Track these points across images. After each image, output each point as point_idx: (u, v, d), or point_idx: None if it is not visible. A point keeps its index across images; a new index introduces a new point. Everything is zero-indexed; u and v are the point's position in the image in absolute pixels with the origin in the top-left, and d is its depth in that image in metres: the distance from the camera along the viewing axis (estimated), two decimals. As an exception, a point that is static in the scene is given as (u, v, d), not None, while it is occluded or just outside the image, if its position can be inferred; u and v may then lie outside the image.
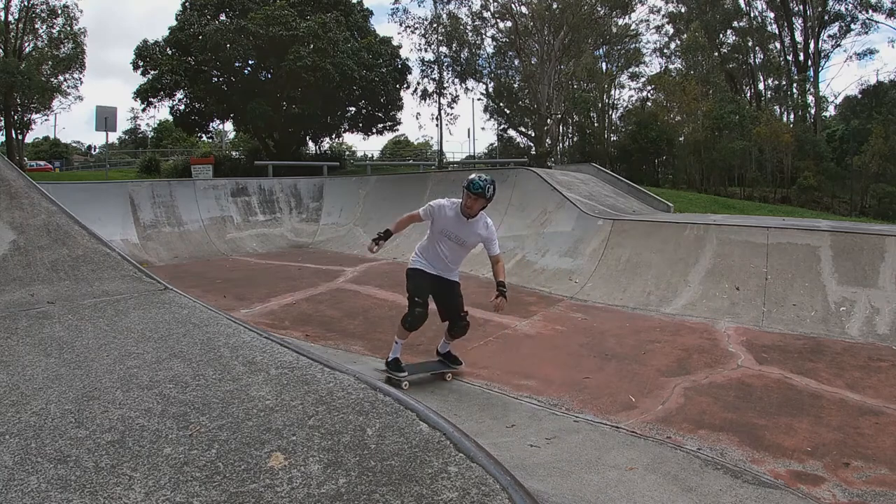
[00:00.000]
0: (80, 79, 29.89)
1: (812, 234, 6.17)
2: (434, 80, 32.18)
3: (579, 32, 28.49)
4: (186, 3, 23.92)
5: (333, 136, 30.80)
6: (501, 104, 35.02)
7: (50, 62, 28.36)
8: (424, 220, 4.13)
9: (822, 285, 5.67)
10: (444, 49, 31.86)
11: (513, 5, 29.28)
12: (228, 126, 33.36)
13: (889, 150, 24.08)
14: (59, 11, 27.83)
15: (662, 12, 33.89)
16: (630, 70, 35.11)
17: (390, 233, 4.16)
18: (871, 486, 2.70)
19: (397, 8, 33.27)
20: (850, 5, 28.49)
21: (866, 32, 29.35)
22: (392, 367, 4.08)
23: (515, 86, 34.48)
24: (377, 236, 4.12)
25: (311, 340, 4.92)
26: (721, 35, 32.75)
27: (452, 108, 33.77)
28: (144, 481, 1.25)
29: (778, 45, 31.93)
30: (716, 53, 32.29)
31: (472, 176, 3.89)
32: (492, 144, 40.94)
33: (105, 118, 16.64)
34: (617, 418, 3.47)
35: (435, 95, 32.32)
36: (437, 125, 33.25)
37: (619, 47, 33.64)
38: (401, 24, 33.42)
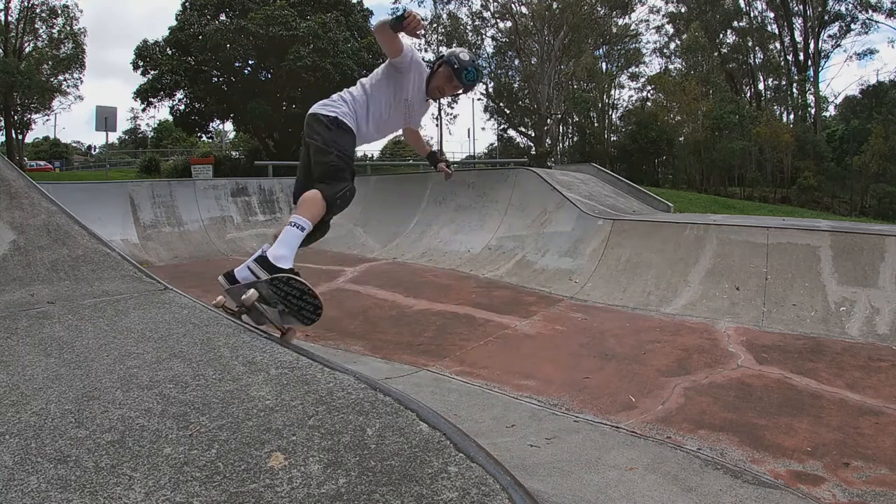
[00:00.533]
0: (80, 79, 29.99)
1: (812, 234, 6.17)
2: (434, 80, 32.13)
3: (579, 32, 28.52)
4: (186, 3, 23.95)
5: (333, 136, 30.74)
6: (501, 104, 35.05)
7: (50, 62, 28.38)
8: (395, 64, 2.80)
9: (822, 285, 5.67)
10: (444, 49, 31.86)
11: (513, 5, 29.31)
12: (228, 126, 33.41)
13: (889, 150, 24.10)
14: (59, 11, 27.88)
15: (662, 12, 33.96)
16: (630, 70, 35.19)
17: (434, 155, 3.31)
18: (871, 486, 2.70)
19: (397, 8, 33.31)
20: (850, 5, 28.54)
21: (866, 32, 29.42)
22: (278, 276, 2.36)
23: (515, 86, 34.52)
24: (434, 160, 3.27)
25: (311, 340, 4.92)
26: (721, 35, 32.77)
27: (452, 107, 33.83)
28: (144, 481, 1.25)
29: (778, 45, 31.99)
30: (716, 53, 32.30)
31: (465, 56, 2.85)
32: (492, 144, 41.01)
33: (105, 118, 16.66)
34: (617, 418, 3.47)
35: (435, 95, 32.28)
36: (437, 125, 33.29)
37: (619, 47, 33.68)
38: (401, 24, 33.34)
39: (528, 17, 28.97)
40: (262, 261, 2.38)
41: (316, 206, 2.51)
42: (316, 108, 2.72)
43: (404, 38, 2.70)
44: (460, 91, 2.91)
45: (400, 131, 3.20)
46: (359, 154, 40.20)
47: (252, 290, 2.31)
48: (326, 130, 2.63)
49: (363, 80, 2.91)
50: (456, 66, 2.79)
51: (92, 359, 1.88)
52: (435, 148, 2.90)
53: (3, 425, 1.47)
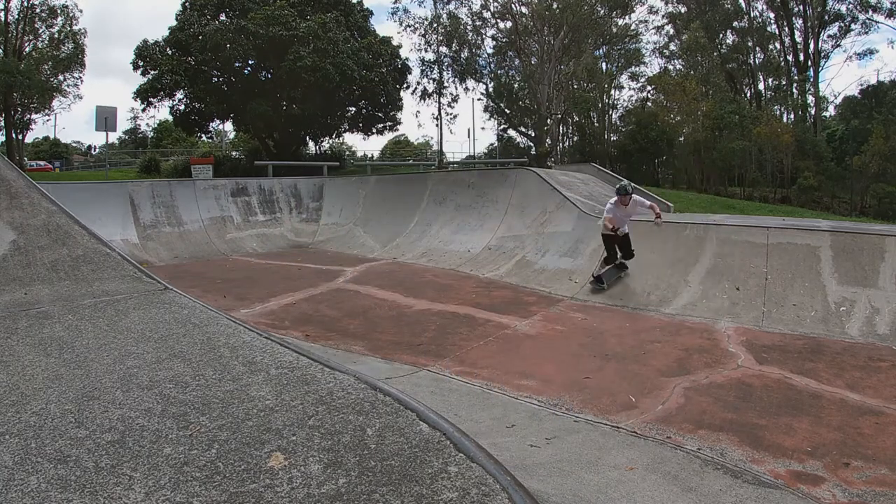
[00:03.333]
0: (80, 79, 29.93)
1: (812, 234, 6.17)
2: (434, 79, 32.23)
3: (579, 32, 28.52)
4: (186, 3, 23.93)
5: (333, 136, 30.83)
6: (501, 104, 35.05)
7: (50, 62, 28.37)
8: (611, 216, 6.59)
9: (822, 285, 5.66)
10: (444, 49, 31.90)
11: (513, 5, 29.30)
12: (228, 126, 33.41)
13: (889, 150, 24.10)
14: (59, 11, 27.86)
15: (662, 13, 33.94)
16: (630, 70, 35.15)
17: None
18: (871, 486, 2.70)
19: (397, 8, 33.38)
20: (850, 5, 28.53)
21: (866, 32, 29.40)
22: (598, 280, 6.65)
23: (515, 86, 34.53)
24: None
25: (311, 340, 4.92)
26: (721, 35, 32.77)
27: (452, 107, 33.84)
28: (144, 481, 1.25)
29: (778, 45, 31.97)
30: (716, 53, 32.29)
31: (623, 183, 6.86)
32: (492, 144, 40.99)
33: (105, 118, 16.66)
34: (617, 418, 3.47)
35: (435, 95, 32.36)
36: (437, 125, 33.30)
37: (619, 47, 33.67)
38: (401, 24, 33.50)
39: (528, 17, 28.96)
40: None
41: None
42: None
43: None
44: (625, 198, 6.48)
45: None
46: (359, 154, 40.26)
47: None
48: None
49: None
50: (616, 190, 6.69)
51: (92, 359, 1.88)
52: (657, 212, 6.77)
53: (3, 425, 1.47)
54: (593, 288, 6.66)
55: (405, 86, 28.70)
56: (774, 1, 30.51)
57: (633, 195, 6.54)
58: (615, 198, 6.57)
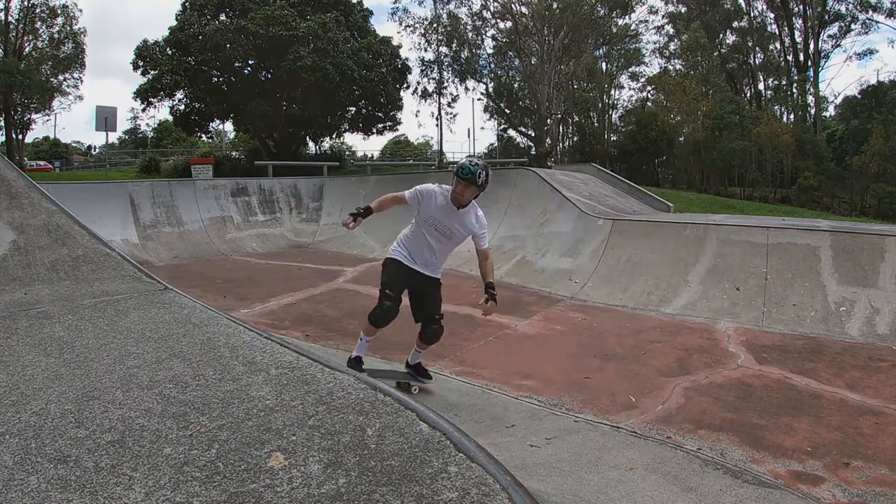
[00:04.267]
0: (80, 79, 29.94)
1: (812, 234, 6.17)
2: (434, 79, 32.23)
3: (579, 32, 28.51)
4: (186, 3, 23.92)
5: (333, 136, 30.83)
6: (501, 104, 35.04)
7: (50, 62, 28.36)
8: (410, 205, 3.64)
9: (822, 285, 5.66)
10: (444, 49, 31.90)
11: (513, 5, 29.29)
12: (228, 126, 33.39)
13: (889, 150, 24.10)
14: (59, 11, 27.85)
15: (662, 13, 33.92)
16: (630, 70, 35.14)
17: (371, 210, 3.64)
18: (871, 486, 2.70)
19: (397, 8, 33.35)
20: (850, 5, 28.52)
21: (866, 32, 29.40)
22: (353, 365, 3.64)
23: (515, 86, 34.51)
24: (356, 212, 3.56)
25: (311, 340, 4.92)
26: (721, 35, 32.76)
27: (452, 107, 33.84)
28: (144, 481, 1.25)
29: (778, 45, 31.96)
30: (716, 53, 32.29)
31: (463, 160, 3.65)
32: (492, 144, 40.98)
33: (105, 118, 16.66)
34: (617, 418, 3.47)
35: (435, 95, 32.36)
36: (437, 125, 33.30)
37: (619, 47, 33.66)
38: (400, 24, 33.48)
39: (528, 17, 28.96)
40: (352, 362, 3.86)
41: (365, 321, 3.85)
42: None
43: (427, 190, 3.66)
44: (468, 186, 3.43)
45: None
46: (359, 154, 40.24)
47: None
48: (383, 269, 3.89)
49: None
50: (455, 171, 3.53)
51: (92, 359, 1.88)
52: (490, 279, 3.60)
53: (3, 425, 1.47)
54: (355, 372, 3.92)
55: (405, 86, 28.69)
56: (774, 1, 30.50)
57: (479, 190, 3.48)
58: (440, 188, 3.62)
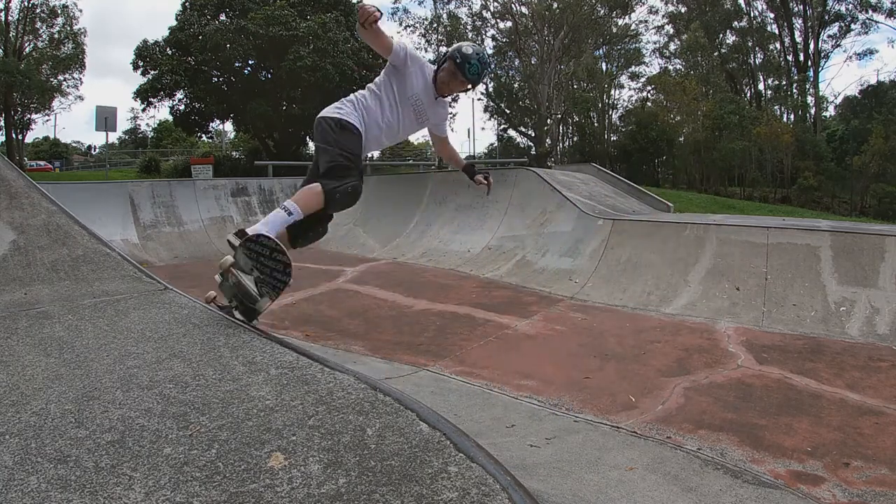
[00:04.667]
0: (80, 79, 29.99)
1: (812, 234, 6.17)
2: (434, 79, 32.17)
3: (579, 32, 28.53)
4: (186, 3, 23.94)
5: (333, 136, 30.74)
6: (501, 104, 35.05)
7: (50, 62, 28.38)
8: (391, 62, 2.89)
9: (822, 285, 5.66)
10: (444, 49, 31.90)
11: (513, 5, 29.32)
12: (228, 126, 33.39)
13: (889, 150, 24.11)
14: (59, 11, 27.87)
15: (662, 13, 33.96)
16: (630, 70, 35.18)
17: None
18: (871, 486, 2.70)
19: (397, 8, 33.36)
20: (850, 5, 28.55)
21: (866, 32, 29.44)
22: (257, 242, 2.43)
23: (515, 86, 34.53)
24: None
25: (311, 340, 4.92)
26: (721, 35, 32.77)
27: (452, 107, 33.84)
28: (144, 481, 1.25)
29: (778, 45, 31.98)
30: (716, 53, 32.29)
31: (469, 49, 2.76)
32: (492, 144, 41.01)
33: (105, 118, 16.66)
34: (617, 418, 3.47)
35: (435, 95, 32.31)
36: (437, 125, 33.25)
37: (619, 47, 33.68)
38: (401, 24, 33.49)
39: (528, 17, 28.98)
40: (240, 233, 2.43)
41: (312, 196, 2.54)
42: (323, 112, 2.86)
43: (404, 41, 2.91)
44: (468, 87, 2.85)
45: (425, 133, 3.20)
46: (359, 154, 40.19)
47: (227, 257, 2.43)
48: (331, 132, 2.69)
49: (371, 83, 3.00)
50: (458, 61, 2.74)
51: (92, 359, 1.88)
52: (464, 162, 3.23)
53: (3, 425, 1.47)
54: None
55: (405, 86, 28.63)
56: (774, 1, 30.50)
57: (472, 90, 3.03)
58: (427, 61, 2.98)
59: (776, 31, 31.69)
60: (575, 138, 36.66)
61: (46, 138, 45.53)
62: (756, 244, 6.33)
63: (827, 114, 33.23)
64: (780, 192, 26.33)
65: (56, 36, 28.23)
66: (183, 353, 1.94)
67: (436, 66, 2.87)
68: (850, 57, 36.07)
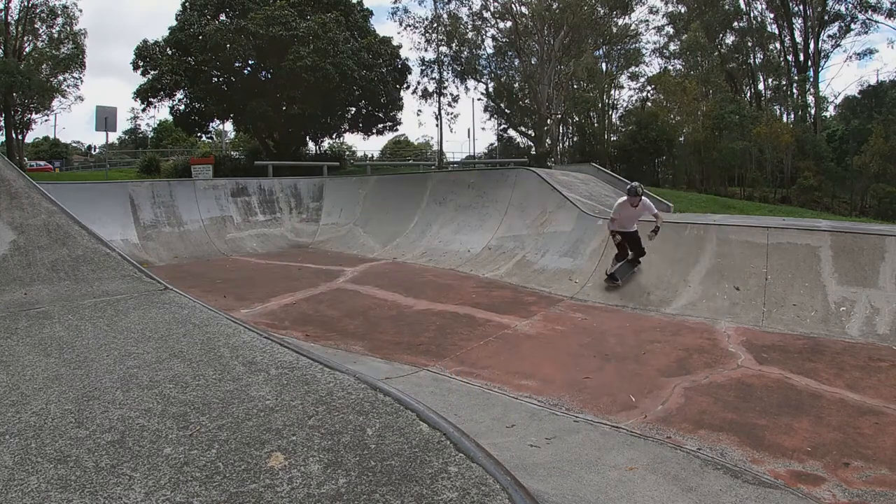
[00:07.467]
0: (80, 79, 29.94)
1: (812, 234, 6.17)
2: (434, 79, 32.27)
3: (579, 32, 28.55)
4: (186, 3, 23.92)
5: (333, 137, 30.81)
6: (501, 104, 35.06)
7: (50, 62, 28.38)
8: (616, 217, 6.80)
9: (822, 285, 5.66)
10: (444, 48, 31.93)
11: (513, 5, 29.33)
12: (228, 126, 33.39)
13: (889, 150, 24.11)
14: (59, 12, 27.87)
15: (662, 13, 33.96)
16: (630, 70, 35.16)
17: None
18: (871, 486, 2.70)
19: (397, 8, 33.43)
20: (850, 5, 28.53)
21: (866, 32, 29.42)
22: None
23: (515, 86, 34.54)
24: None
25: (311, 340, 4.92)
26: (721, 35, 32.78)
27: (453, 107, 33.93)
28: (144, 481, 1.25)
29: (778, 45, 31.97)
30: (716, 53, 32.30)
31: (631, 187, 6.68)
32: (492, 144, 40.97)
33: (105, 118, 16.65)
34: (617, 418, 3.47)
35: (435, 95, 32.38)
36: (437, 125, 33.34)
37: (619, 47, 33.67)
38: (401, 24, 33.52)
39: (528, 17, 28.99)
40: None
41: None
42: None
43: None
44: (634, 199, 6.51)
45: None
46: (359, 154, 40.24)
47: None
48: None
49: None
50: (627, 191, 6.75)
51: (92, 359, 1.88)
52: (657, 225, 6.57)
53: (3, 425, 1.47)
54: (608, 286, 6.65)
55: (405, 86, 28.68)
56: (774, 1, 30.50)
57: (642, 198, 6.52)
58: (624, 198, 6.62)
59: (776, 32, 31.70)
60: (575, 138, 36.66)
61: (46, 138, 45.53)
62: (756, 244, 6.33)
63: (827, 114, 33.25)
64: (780, 192, 26.34)
65: (56, 36, 28.24)
66: (183, 353, 1.94)
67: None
68: (850, 57, 36.11)
